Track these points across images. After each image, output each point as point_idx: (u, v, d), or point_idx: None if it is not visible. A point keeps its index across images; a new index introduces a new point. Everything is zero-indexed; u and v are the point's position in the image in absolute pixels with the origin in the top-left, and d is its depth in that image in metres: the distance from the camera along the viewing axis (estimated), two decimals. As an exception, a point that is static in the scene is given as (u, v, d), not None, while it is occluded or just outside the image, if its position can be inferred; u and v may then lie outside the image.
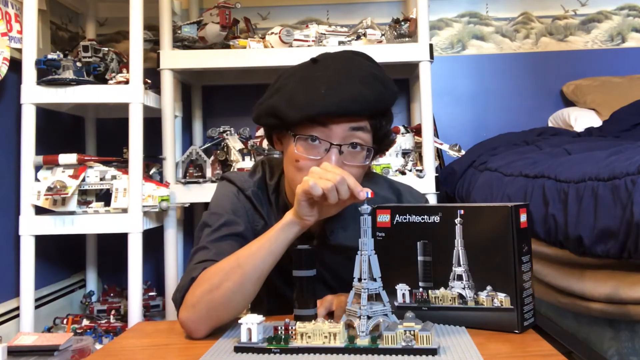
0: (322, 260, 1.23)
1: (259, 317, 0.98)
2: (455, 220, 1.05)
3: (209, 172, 2.33)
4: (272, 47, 2.29)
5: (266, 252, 1.08)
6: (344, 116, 1.11)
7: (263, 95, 1.20)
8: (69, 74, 2.06)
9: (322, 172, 1.05)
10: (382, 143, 1.20)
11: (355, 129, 1.13)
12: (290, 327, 0.97)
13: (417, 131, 2.38)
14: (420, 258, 1.08)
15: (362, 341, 0.94)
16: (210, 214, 1.24)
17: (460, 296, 1.04)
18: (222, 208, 1.24)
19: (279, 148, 1.22)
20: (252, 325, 0.97)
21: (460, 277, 1.04)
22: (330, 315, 1.14)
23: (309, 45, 2.31)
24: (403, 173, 2.30)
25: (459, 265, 1.04)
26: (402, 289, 1.09)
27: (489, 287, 1.02)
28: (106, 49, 2.22)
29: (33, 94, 2.04)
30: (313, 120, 1.11)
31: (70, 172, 2.06)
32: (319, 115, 1.10)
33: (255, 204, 1.25)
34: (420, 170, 2.25)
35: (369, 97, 1.11)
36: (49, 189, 1.99)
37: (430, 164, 2.24)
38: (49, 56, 2.06)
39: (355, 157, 1.15)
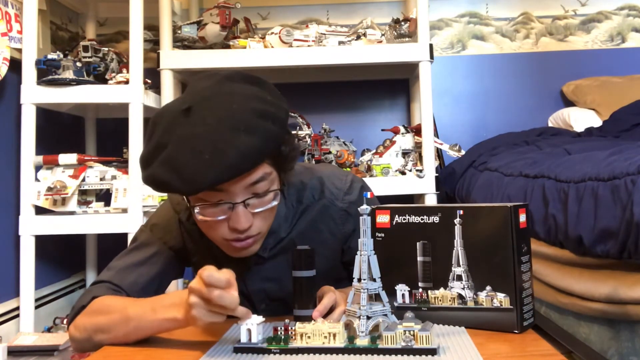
0: (265, 277, 1.22)
1: (259, 318, 0.98)
2: (455, 221, 1.05)
3: (209, 172, 2.33)
4: (272, 47, 2.29)
5: (145, 329, 1.06)
6: (237, 176, 1.01)
7: (144, 148, 1.08)
8: (69, 74, 2.06)
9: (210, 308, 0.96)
10: (286, 165, 1.13)
11: (256, 181, 1.05)
12: (289, 328, 0.97)
13: (417, 131, 2.38)
14: (419, 258, 1.08)
15: (362, 341, 0.94)
16: (143, 229, 1.27)
17: (460, 296, 1.04)
18: (152, 224, 1.26)
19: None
20: (252, 325, 0.97)
21: (459, 278, 1.04)
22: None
23: (309, 45, 2.31)
24: (403, 173, 2.30)
25: (459, 265, 1.04)
26: (401, 289, 1.09)
27: (488, 287, 1.02)
28: (106, 49, 2.22)
29: (33, 94, 2.04)
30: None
31: (70, 172, 2.06)
32: (210, 187, 1.01)
33: (187, 228, 1.23)
34: (420, 170, 2.25)
35: (258, 145, 1.00)
36: (49, 189, 2.00)
37: (430, 164, 2.24)
38: (49, 56, 2.06)
39: (264, 202, 1.08)
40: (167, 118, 1.05)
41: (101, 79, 2.17)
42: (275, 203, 1.10)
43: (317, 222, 1.22)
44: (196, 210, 1.07)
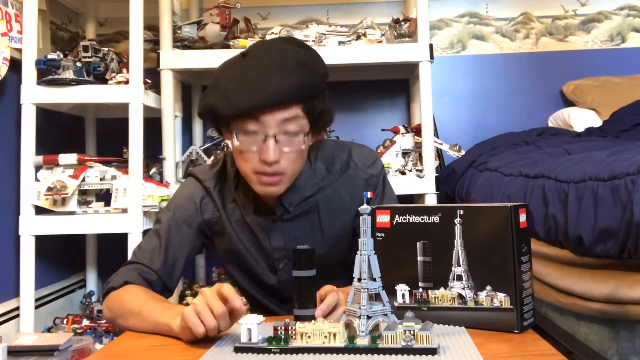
0: (287, 235, 1.33)
1: (259, 317, 0.99)
2: (455, 221, 1.05)
3: (209, 172, 2.33)
4: (272, 47, 2.29)
5: (150, 327, 1.15)
6: (273, 107, 1.17)
7: (205, 91, 1.27)
8: (69, 74, 2.06)
9: (201, 311, 1.02)
10: (318, 123, 1.27)
11: (288, 119, 1.19)
12: (290, 327, 0.97)
13: (417, 131, 2.38)
14: (419, 258, 1.08)
15: (362, 341, 0.94)
16: (164, 210, 1.39)
17: (460, 296, 1.04)
18: (174, 205, 1.38)
19: (228, 138, 1.27)
20: (252, 325, 0.97)
21: (459, 277, 1.04)
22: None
23: (309, 45, 2.30)
24: (403, 173, 2.30)
25: (459, 265, 1.04)
26: (401, 289, 1.09)
27: (488, 287, 1.02)
28: (106, 49, 2.22)
29: (33, 94, 2.04)
30: (246, 114, 1.18)
31: (70, 172, 2.06)
32: (249, 110, 1.17)
33: (212, 196, 1.36)
34: (420, 170, 2.25)
35: (295, 84, 1.17)
36: (49, 189, 1.99)
37: (430, 164, 2.24)
38: (49, 56, 2.06)
39: (293, 142, 1.21)
40: (226, 63, 1.27)
41: (101, 79, 2.17)
42: (303, 147, 1.23)
43: (340, 189, 1.36)
44: (235, 138, 1.21)
